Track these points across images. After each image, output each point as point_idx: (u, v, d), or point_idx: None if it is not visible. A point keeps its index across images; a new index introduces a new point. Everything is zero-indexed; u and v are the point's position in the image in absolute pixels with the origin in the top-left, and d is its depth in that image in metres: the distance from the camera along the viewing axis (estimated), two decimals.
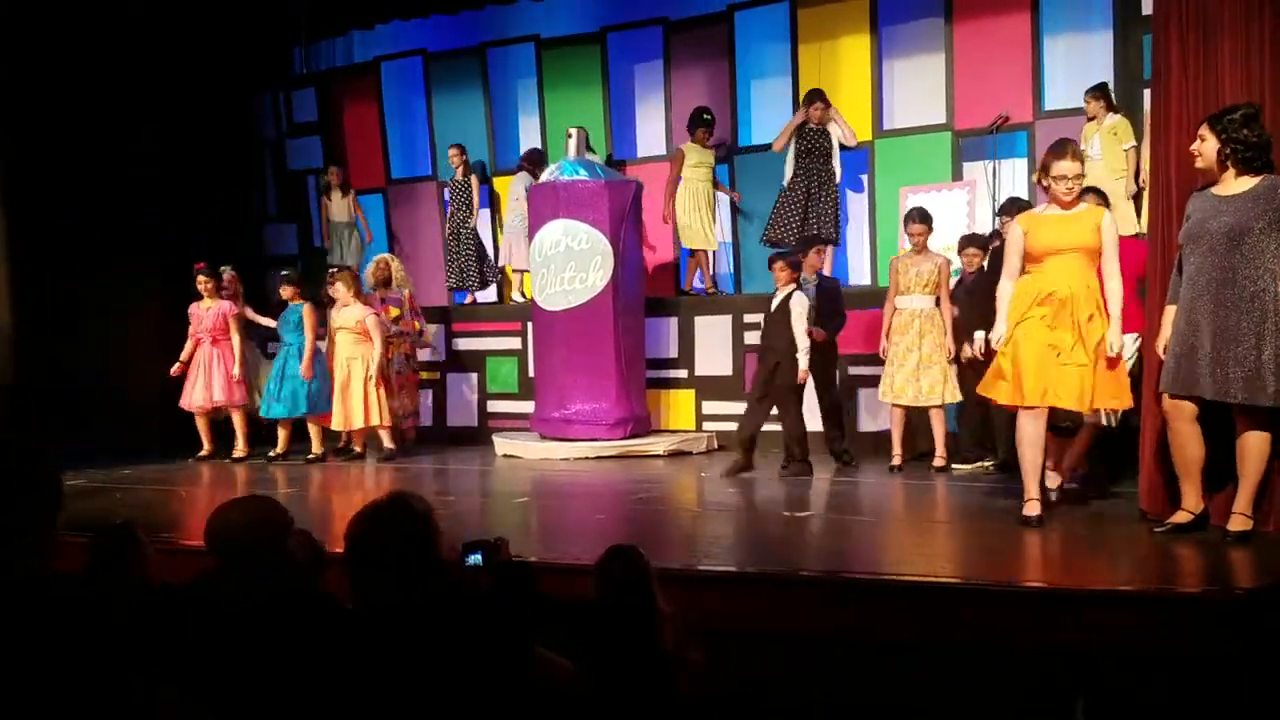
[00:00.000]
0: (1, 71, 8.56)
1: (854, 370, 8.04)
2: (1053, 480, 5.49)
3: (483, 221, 10.30)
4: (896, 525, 5.75)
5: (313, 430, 8.54)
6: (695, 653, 3.01)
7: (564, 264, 8.35)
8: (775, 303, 7.09)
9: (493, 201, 10.52)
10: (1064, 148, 5.00)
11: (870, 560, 4.79)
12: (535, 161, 9.60)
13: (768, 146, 9.08)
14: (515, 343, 9.62)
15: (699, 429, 8.83)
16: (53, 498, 2.24)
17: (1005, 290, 5.12)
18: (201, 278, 8.59)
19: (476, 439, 9.38)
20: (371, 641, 2.35)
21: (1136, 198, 7.56)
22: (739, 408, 7.78)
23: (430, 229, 10.91)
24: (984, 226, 7.95)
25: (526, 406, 9.10)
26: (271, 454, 8.51)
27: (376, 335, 8.26)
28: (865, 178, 9.17)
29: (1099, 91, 7.74)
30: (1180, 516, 4.70)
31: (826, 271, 8.07)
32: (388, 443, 8.40)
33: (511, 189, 9.79)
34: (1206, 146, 4.53)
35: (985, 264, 7.11)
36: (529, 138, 10.34)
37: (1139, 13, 7.60)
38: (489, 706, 2.30)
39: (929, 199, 8.29)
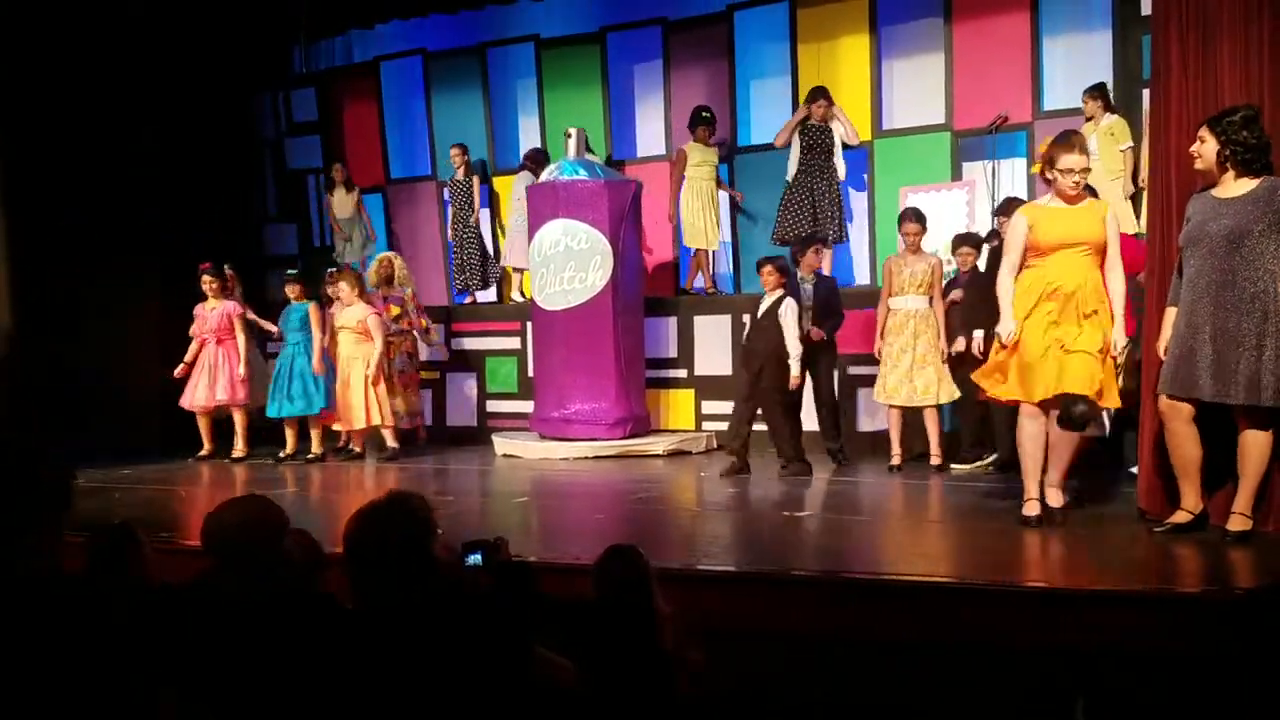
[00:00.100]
0: (1, 71, 8.56)
1: (853, 370, 8.04)
2: (1055, 498, 5.04)
3: (483, 221, 10.29)
4: (896, 525, 5.75)
5: (313, 430, 8.54)
6: (695, 653, 3.01)
7: (563, 264, 8.35)
8: (763, 307, 7.08)
9: (493, 201, 10.52)
10: (1071, 140, 4.90)
11: (870, 560, 4.79)
12: (538, 161, 9.60)
13: (767, 146, 9.10)
14: (515, 342, 9.62)
15: (698, 429, 8.84)
16: (55, 498, 2.24)
17: (1007, 284, 4.99)
18: (207, 277, 8.59)
19: (476, 439, 9.38)
20: (371, 641, 2.35)
21: (1134, 198, 7.56)
22: None
23: (430, 228, 10.91)
24: (984, 226, 7.95)
25: (526, 406, 9.10)
26: (281, 454, 8.51)
27: (378, 334, 8.26)
28: (865, 177, 9.17)
29: (1097, 91, 7.74)
30: (1179, 516, 4.70)
31: (827, 271, 8.07)
32: (390, 442, 8.39)
33: (514, 189, 9.78)
34: (1206, 148, 4.53)
35: (979, 263, 7.14)
36: (528, 138, 10.34)
37: (1138, 13, 7.60)
38: (489, 706, 2.30)
39: (928, 199, 8.30)
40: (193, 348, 8.63)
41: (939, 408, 7.13)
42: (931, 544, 5.11)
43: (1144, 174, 5.39)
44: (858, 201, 9.18)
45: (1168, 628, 3.62)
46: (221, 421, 8.84)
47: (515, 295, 9.99)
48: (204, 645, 2.47)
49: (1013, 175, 8.38)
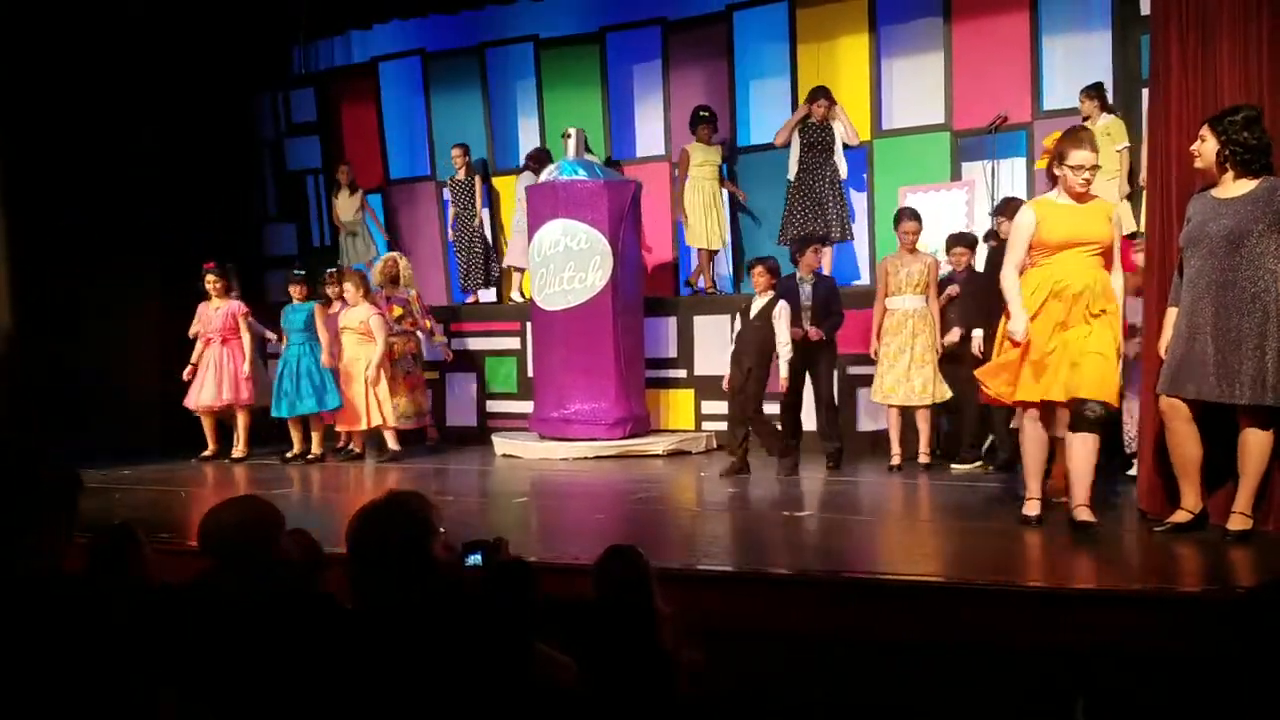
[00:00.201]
0: (1, 71, 8.56)
1: (852, 370, 8.04)
2: (1086, 514, 4.76)
3: (485, 221, 10.29)
4: (896, 525, 5.75)
5: (314, 430, 8.54)
6: (695, 653, 3.01)
7: (563, 264, 8.35)
8: (755, 309, 7.09)
9: (493, 202, 10.52)
10: (1080, 136, 4.81)
11: (870, 560, 4.80)
12: (541, 161, 9.59)
13: (767, 146, 9.10)
14: (514, 343, 9.62)
15: (698, 429, 8.83)
16: (56, 498, 2.24)
17: (1013, 280, 4.84)
18: (211, 277, 8.59)
19: (476, 439, 9.38)
20: (371, 641, 2.35)
21: (1129, 198, 7.56)
22: None
23: (429, 229, 10.91)
24: (983, 226, 7.95)
25: (526, 406, 9.10)
26: (289, 454, 8.51)
27: (380, 335, 8.25)
28: (865, 177, 9.17)
29: (1094, 91, 7.73)
30: (1180, 516, 4.70)
31: (828, 270, 8.08)
32: (392, 444, 8.38)
33: (517, 189, 9.78)
34: (1206, 147, 4.53)
35: (974, 262, 7.15)
36: (528, 138, 10.34)
37: (1137, 13, 7.59)
38: (489, 706, 2.30)
39: (928, 199, 8.30)
40: (198, 348, 8.63)
41: (932, 407, 7.16)
42: (931, 544, 5.11)
43: (1143, 174, 5.37)
44: (857, 201, 9.18)
45: (1168, 628, 3.62)
46: (218, 422, 8.84)
47: (515, 295, 9.99)
48: (204, 645, 2.47)
49: (1012, 175, 8.38)
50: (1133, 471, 5.76)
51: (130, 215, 9.32)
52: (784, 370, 7.01)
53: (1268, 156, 4.45)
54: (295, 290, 8.56)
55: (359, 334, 8.31)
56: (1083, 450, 4.76)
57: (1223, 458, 4.59)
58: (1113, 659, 3.58)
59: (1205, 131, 4.54)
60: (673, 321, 9.04)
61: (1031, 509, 4.99)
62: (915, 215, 7.24)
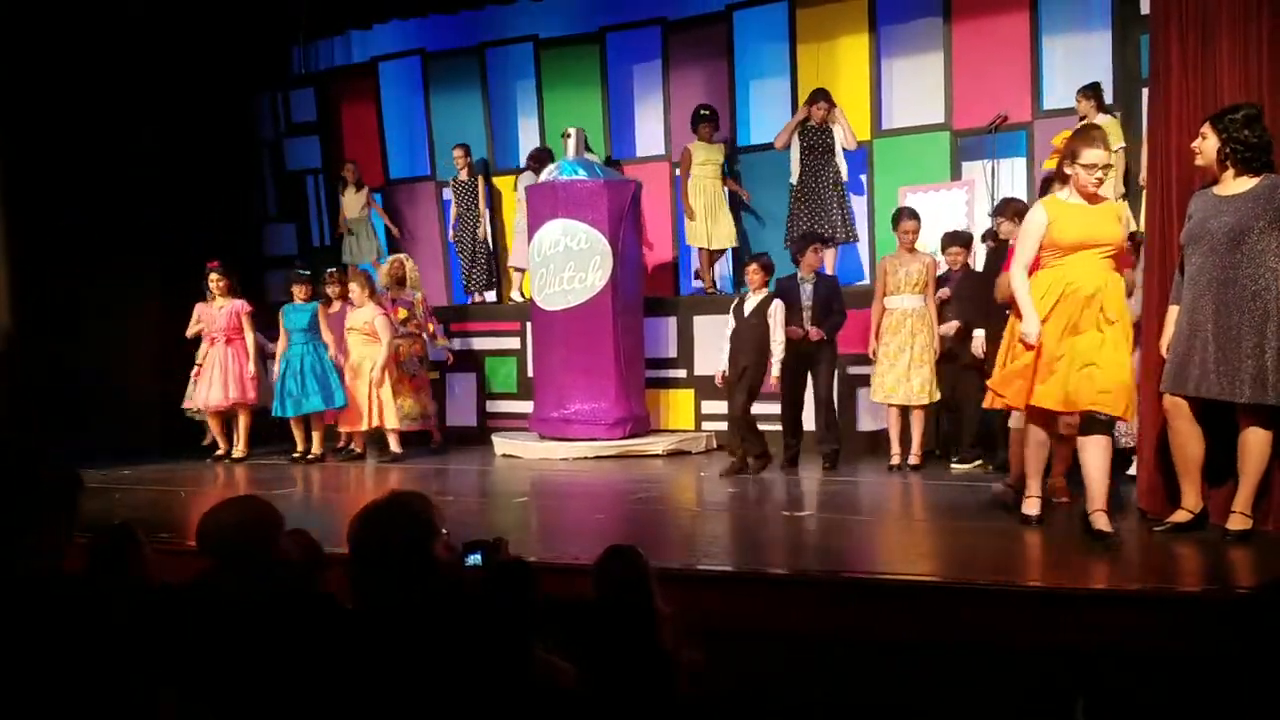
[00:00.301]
0: (1, 71, 8.56)
1: (852, 370, 8.04)
2: (1103, 522, 4.62)
3: (485, 222, 10.29)
4: (896, 525, 5.75)
5: (314, 430, 8.54)
6: (695, 653, 3.01)
7: (563, 264, 8.35)
8: (749, 307, 7.10)
9: (493, 202, 10.51)
10: (1093, 134, 4.71)
11: (869, 560, 4.80)
12: (542, 160, 9.59)
13: (767, 146, 9.10)
14: (514, 343, 9.62)
15: (698, 429, 8.84)
16: (56, 498, 2.24)
17: (1022, 281, 4.68)
18: (214, 276, 8.57)
19: (476, 439, 9.37)
20: (371, 641, 2.35)
21: (1124, 198, 7.55)
22: None
23: (429, 229, 10.91)
24: (983, 226, 7.95)
25: (526, 406, 9.10)
26: (295, 454, 8.51)
27: (385, 335, 8.24)
28: (864, 177, 9.17)
29: (1090, 91, 7.73)
30: (1180, 515, 4.70)
31: (831, 271, 8.08)
32: (394, 446, 8.35)
33: (518, 189, 9.76)
34: (1207, 145, 4.53)
35: (970, 261, 7.15)
36: (528, 138, 10.34)
37: (1137, 12, 7.58)
38: (490, 706, 2.30)
39: (927, 199, 8.30)
40: (203, 347, 8.62)
41: (927, 408, 7.18)
42: (932, 544, 5.11)
43: (1142, 174, 5.36)
44: (857, 202, 9.18)
45: (1168, 627, 3.62)
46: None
47: (515, 295, 9.99)
48: (204, 645, 2.47)
49: (1012, 175, 8.38)
50: (1131, 470, 5.76)
51: (130, 215, 9.32)
52: (775, 369, 7.02)
53: (1268, 154, 4.46)
54: (299, 290, 8.54)
55: (364, 335, 8.31)
56: (1097, 454, 4.65)
57: (1223, 457, 4.60)
58: (1113, 659, 3.58)
59: (1206, 129, 4.54)
60: (672, 321, 9.04)
61: (1031, 507, 4.98)
62: (914, 215, 7.25)
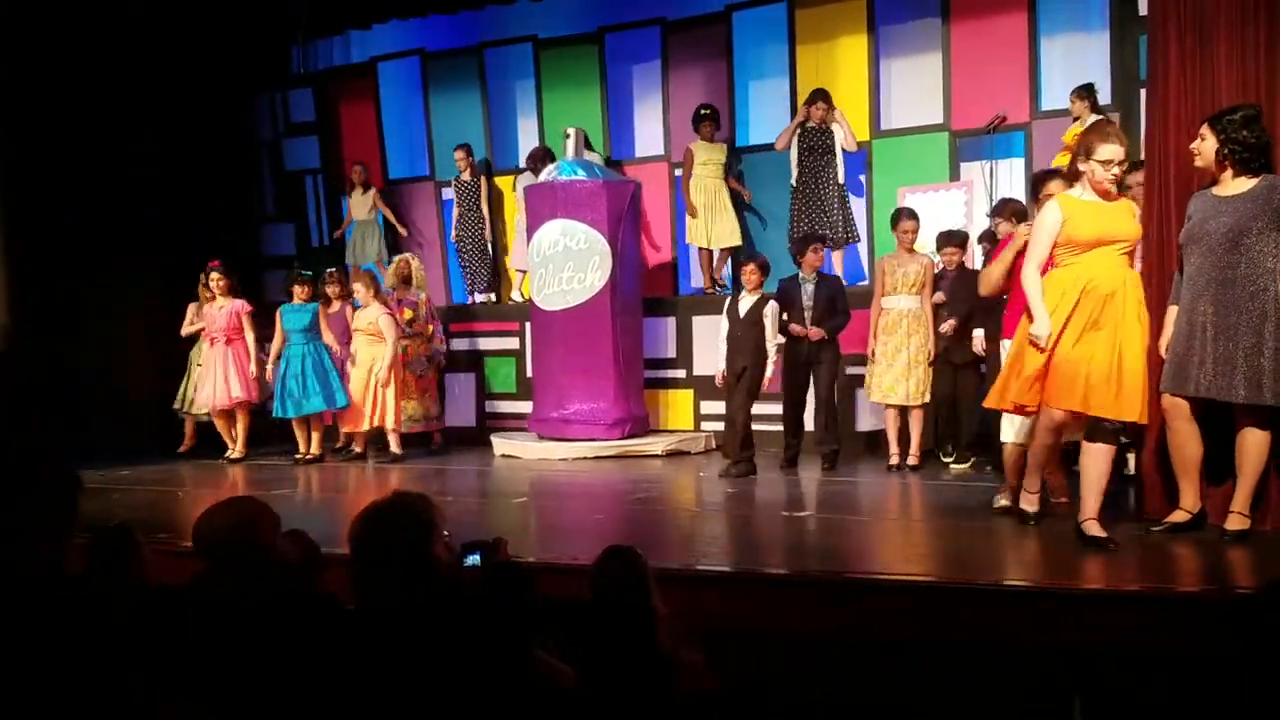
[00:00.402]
0: (1, 71, 8.56)
1: (852, 370, 8.04)
2: (1096, 529, 4.58)
3: (486, 222, 10.28)
4: (895, 525, 5.75)
5: (314, 430, 8.53)
6: (693, 653, 3.01)
7: (562, 264, 8.35)
8: (745, 309, 7.11)
9: (493, 202, 10.51)
10: (1107, 130, 4.61)
11: (869, 560, 4.80)
12: (542, 160, 9.57)
13: (767, 146, 9.10)
14: (514, 343, 9.62)
15: (697, 429, 8.84)
16: (55, 498, 2.24)
17: (1035, 280, 4.55)
18: (215, 275, 8.56)
19: (475, 439, 9.37)
20: (371, 642, 2.35)
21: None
22: None
23: (428, 229, 10.90)
24: (981, 226, 7.95)
25: (525, 407, 9.10)
26: (298, 455, 8.50)
27: (390, 334, 8.22)
28: (863, 178, 9.17)
29: (1084, 92, 7.73)
30: (1178, 516, 4.70)
31: (837, 271, 8.09)
32: (395, 448, 8.33)
33: (517, 189, 9.76)
34: (1206, 145, 4.54)
35: (965, 260, 7.16)
36: (527, 138, 10.33)
37: (1135, 13, 7.59)
38: (488, 707, 2.30)
39: (926, 199, 8.31)
40: (204, 348, 8.61)
41: (924, 408, 7.20)
42: (931, 543, 5.11)
43: (1138, 174, 5.34)
44: (856, 203, 9.17)
45: (1167, 627, 3.62)
46: (208, 423, 8.83)
47: (514, 295, 9.99)
48: (203, 646, 2.47)
49: (1011, 175, 8.38)
50: (1129, 470, 5.76)
51: (130, 215, 9.32)
52: (769, 370, 7.04)
53: (1267, 155, 4.47)
54: (300, 290, 8.52)
55: (369, 335, 8.29)
56: (1099, 460, 4.59)
57: (1221, 457, 4.60)
58: (1112, 659, 3.58)
59: (1205, 130, 4.54)
60: (672, 322, 9.04)
61: (1029, 504, 4.98)
62: (913, 215, 7.27)
